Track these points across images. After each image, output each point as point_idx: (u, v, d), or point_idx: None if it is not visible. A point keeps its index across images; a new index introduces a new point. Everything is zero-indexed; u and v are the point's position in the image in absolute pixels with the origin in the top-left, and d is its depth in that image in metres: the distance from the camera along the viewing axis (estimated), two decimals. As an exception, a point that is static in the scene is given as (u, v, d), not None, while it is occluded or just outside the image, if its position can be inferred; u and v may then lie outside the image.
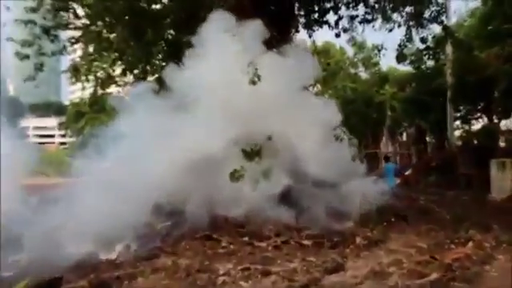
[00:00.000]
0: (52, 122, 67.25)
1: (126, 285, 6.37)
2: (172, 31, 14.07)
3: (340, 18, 17.51)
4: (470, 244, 8.22)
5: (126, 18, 13.68)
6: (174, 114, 9.69)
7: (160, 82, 10.86)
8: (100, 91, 16.10)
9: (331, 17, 16.98)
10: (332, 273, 6.86)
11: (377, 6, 16.87)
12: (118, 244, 9.50)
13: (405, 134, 37.08)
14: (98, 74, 15.64)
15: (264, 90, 10.07)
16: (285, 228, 9.41)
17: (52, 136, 63.56)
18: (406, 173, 21.50)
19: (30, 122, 63.86)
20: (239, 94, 9.99)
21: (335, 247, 8.48)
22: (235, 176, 9.86)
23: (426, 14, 17.42)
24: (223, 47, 10.24)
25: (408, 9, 17.12)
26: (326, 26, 17.43)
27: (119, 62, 14.66)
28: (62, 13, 14.73)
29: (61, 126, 53.42)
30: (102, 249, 9.27)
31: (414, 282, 6.16)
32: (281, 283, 6.41)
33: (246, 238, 8.81)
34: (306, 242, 8.76)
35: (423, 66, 26.89)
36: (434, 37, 18.89)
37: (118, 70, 15.32)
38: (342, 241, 8.75)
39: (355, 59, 40.67)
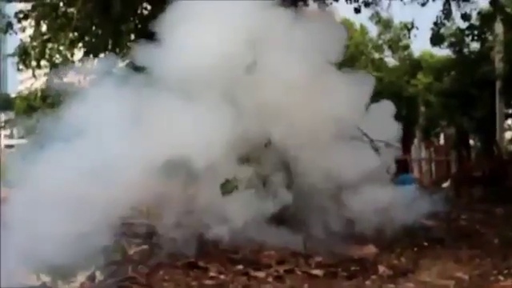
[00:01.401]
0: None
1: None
2: (147, 4, 14.13)
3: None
4: (524, 275, 8.27)
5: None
6: (150, 100, 9.59)
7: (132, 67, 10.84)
8: (55, 80, 16.11)
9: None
10: (348, 311, 6.94)
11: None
12: (80, 274, 9.60)
13: (442, 136, 36.88)
14: (54, 59, 15.69)
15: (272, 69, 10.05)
16: (289, 254, 9.46)
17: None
18: (444, 185, 21.52)
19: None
20: (238, 75, 9.95)
21: (352, 278, 8.56)
22: (228, 187, 9.92)
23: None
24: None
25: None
26: (342, -1, 17.37)
27: (80, 44, 14.72)
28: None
29: (7, 123, 53.47)
30: (59, 280, 9.37)
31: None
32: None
33: (241, 267, 8.87)
34: (315, 272, 8.82)
35: (465, 50, 26.67)
36: (479, 13, 18.81)
37: (78, 54, 15.37)
38: (361, 270, 8.82)
39: (380, 41, 40.19)
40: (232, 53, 9.77)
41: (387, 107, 13.02)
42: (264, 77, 9.97)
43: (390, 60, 40.59)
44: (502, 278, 8.22)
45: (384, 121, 12.19)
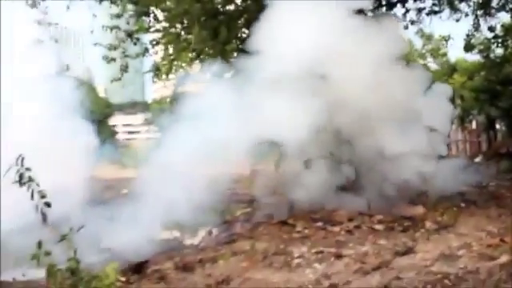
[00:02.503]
0: (138, 119, 68.97)
1: (207, 267, 6.50)
2: (245, 30, 14.09)
3: (407, 11, 17.08)
4: (541, 228, 7.91)
5: (203, 19, 13.83)
6: (251, 96, 9.55)
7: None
8: (179, 89, 16.41)
9: (398, 10, 16.52)
10: (403, 255, 6.76)
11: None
12: (201, 230, 9.70)
13: (474, 122, 35.84)
14: (178, 73, 15.90)
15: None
16: (356, 213, 9.34)
17: (138, 132, 65.17)
18: (476, 160, 20.89)
19: (119, 120, 65.66)
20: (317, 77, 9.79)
21: (406, 231, 8.35)
22: (309, 164, 9.88)
23: (494, 3, 16.87)
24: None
25: (475, -2, 16.58)
26: (393, 20, 17.03)
27: (197, 61, 14.84)
28: (143, 17, 15.04)
29: (146, 122, 54.65)
30: (186, 234, 9.50)
31: (484, 265, 5.98)
32: (353, 265, 6.38)
33: (320, 224, 8.80)
34: (377, 227, 8.68)
35: (492, 55, 25.95)
36: (502, 25, 18.26)
37: (196, 69, 15.50)
38: (413, 225, 8.62)
39: (423, 50, 39.50)
40: (313, 58, 9.64)
41: (445, 89, 12.66)
42: (338, 76, 9.80)
43: (432, 65, 39.88)
44: (523, 230, 7.90)
45: (442, 102, 11.84)
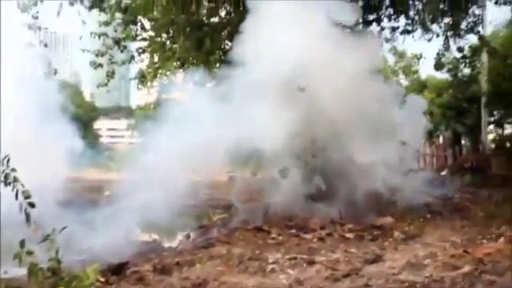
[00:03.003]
0: (122, 123, 68.61)
1: (185, 270, 6.44)
2: (228, 41, 14.10)
3: (382, 29, 17.26)
4: (502, 240, 7.99)
5: (188, 30, 13.83)
6: (231, 103, 9.51)
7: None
8: (163, 96, 16.42)
9: (374, 28, 16.68)
10: (372, 263, 6.77)
11: (417, 17, 16.56)
12: (179, 233, 9.64)
13: (441, 137, 36.23)
14: (162, 81, 15.86)
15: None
16: (328, 221, 9.35)
17: (122, 136, 64.80)
18: (442, 173, 21.10)
19: (104, 124, 65.21)
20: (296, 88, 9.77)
21: (375, 240, 8.40)
22: (284, 173, 9.88)
23: (463, 25, 17.18)
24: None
25: (446, 20, 16.81)
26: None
27: (181, 70, 14.83)
28: (130, 26, 14.98)
29: (129, 127, 54.36)
30: (165, 237, 9.43)
31: (448, 274, 6.01)
32: (324, 272, 6.36)
33: (294, 231, 8.79)
34: (348, 235, 8.70)
35: (460, 74, 26.33)
36: (470, 46, 18.57)
37: (179, 77, 15.48)
38: (382, 234, 8.66)
39: (396, 67, 39.93)
40: (293, 69, 9.65)
41: (420, 102, 12.78)
42: (316, 87, 9.81)
43: (404, 81, 40.33)
44: (485, 241, 7.97)
45: (416, 115, 11.95)
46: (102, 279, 5.45)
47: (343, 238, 8.55)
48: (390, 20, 17.10)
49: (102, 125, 62.45)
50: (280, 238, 8.39)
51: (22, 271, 4.31)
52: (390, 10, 16.55)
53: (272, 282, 5.96)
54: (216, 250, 7.43)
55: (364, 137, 10.21)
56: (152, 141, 9.67)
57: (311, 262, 6.79)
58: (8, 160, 4.24)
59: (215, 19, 14.81)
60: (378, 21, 16.84)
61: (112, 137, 65.41)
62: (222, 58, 13.44)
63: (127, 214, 8.47)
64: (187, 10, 13.53)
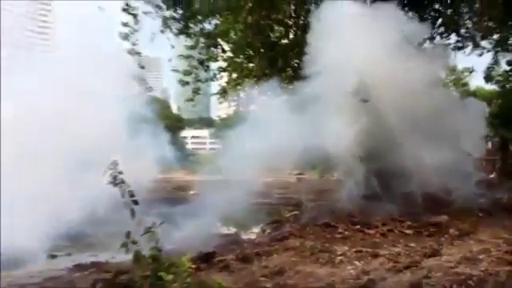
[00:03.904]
0: (204, 132, 69.94)
1: (263, 259, 6.44)
2: (297, 60, 14.09)
3: (435, 46, 16.71)
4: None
5: (262, 51, 13.93)
6: (305, 112, 9.45)
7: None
8: (241, 108, 16.63)
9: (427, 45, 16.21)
10: (430, 257, 6.55)
11: (467, 35, 15.97)
12: (254, 227, 9.67)
13: (490, 143, 34.85)
14: (240, 95, 16.05)
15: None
16: (389, 219, 9.12)
17: (204, 143, 65.94)
18: (491, 176, 20.26)
19: (189, 133, 66.66)
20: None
21: (431, 236, 8.12)
22: (347, 175, 9.74)
23: (511, 41, 16.48)
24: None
25: (495, 36, 16.13)
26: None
27: (256, 85, 14.93)
28: (212, 48, 15.24)
29: (211, 135, 55.36)
30: (242, 231, 9.49)
31: (503, 269, 5.73)
32: (387, 264, 6.23)
33: (358, 226, 8.62)
34: (407, 231, 8.46)
35: (508, 85, 25.25)
36: (518, 59, 17.84)
37: (255, 91, 15.61)
38: (438, 231, 8.36)
39: (447, 80, 38.74)
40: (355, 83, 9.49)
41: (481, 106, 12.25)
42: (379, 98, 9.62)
43: (454, 93, 39.16)
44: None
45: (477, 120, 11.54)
46: (194, 266, 5.52)
47: (403, 234, 8.32)
48: (442, 38, 16.57)
49: (187, 133, 63.91)
50: (346, 232, 8.26)
51: (126, 257, 4.43)
52: (442, 29, 16.06)
53: (341, 272, 5.88)
54: (290, 243, 7.38)
55: (423, 142, 9.90)
56: (231, 147, 9.77)
57: (375, 255, 6.66)
58: (116, 164, 4.39)
59: (285, 40, 14.81)
60: (431, 38, 16.35)
61: (196, 144, 66.65)
62: (292, 74, 13.41)
63: (210, 209, 8.59)
64: (261, 33, 13.64)
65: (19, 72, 9.36)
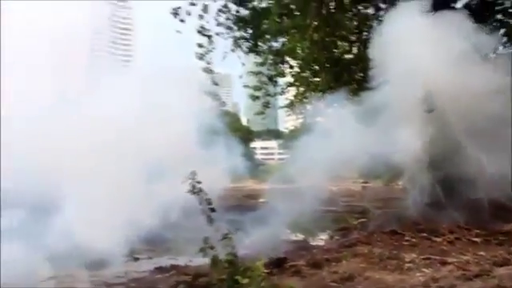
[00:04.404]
0: (273, 143, 70.28)
1: (333, 265, 6.30)
2: (361, 74, 13.87)
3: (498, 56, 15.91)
4: None
5: (327, 65, 13.82)
6: (370, 122, 9.15)
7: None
8: (308, 120, 16.52)
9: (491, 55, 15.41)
10: (501, 266, 6.14)
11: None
12: (322, 234, 9.51)
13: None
14: (307, 107, 15.97)
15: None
16: (456, 226, 8.67)
17: (272, 154, 66.20)
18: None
19: (258, 144, 67.23)
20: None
21: (501, 245, 7.61)
22: (413, 183, 9.37)
23: None
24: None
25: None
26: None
27: (322, 98, 14.82)
28: (280, 65, 15.31)
29: (279, 146, 55.56)
30: (309, 237, 9.35)
31: None
32: (456, 271, 5.91)
33: (425, 234, 8.26)
34: (475, 239, 8.01)
35: None
36: None
37: (321, 104, 15.52)
38: (508, 240, 7.84)
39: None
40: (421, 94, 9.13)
41: None
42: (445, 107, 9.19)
43: None
44: None
45: None
46: (267, 271, 5.48)
47: (471, 242, 7.89)
48: (504, 47, 15.73)
49: (256, 145, 64.39)
50: (413, 240, 7.94)
51: (203, 261, 4.45)
52: (505, 39, 15.26)
53: (410, 279, 5.65)
54: (358, 250, 7.19)
55: (488, 151, 9.37)
56: (298, 157, 9.69)
57: (444, 263, 6.35)
58: (195, 174, 4.44)
59: (349, 55, 14.62)
60: (495, 48, 15.56)
61: (265, 154, 67.01)
62: (357, 86, 13.19)
63: (278, 216, 8.53)
64: (326, 49, 13.54)
65: (100, 83, 9.73)
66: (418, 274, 5.84)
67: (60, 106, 8.65)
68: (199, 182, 4.40)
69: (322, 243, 8.81)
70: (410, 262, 6.36)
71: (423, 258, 6.56)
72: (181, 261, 7.15)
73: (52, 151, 7.88)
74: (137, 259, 7.58)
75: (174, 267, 6.74)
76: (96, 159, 7.97)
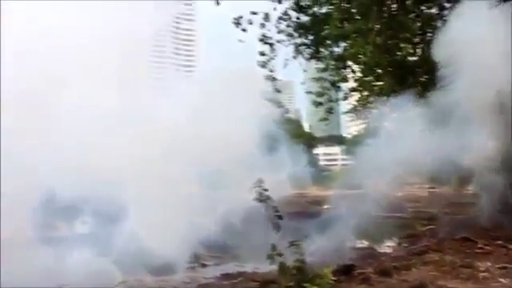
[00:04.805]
0: (335, 149, 69.72)
1: (402, 273, 6.11)
2: (426, 76, 13.48)
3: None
4: None
5: (390, 69, 13.55)
6: (437, 126, 8.83)
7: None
8: (372, 124, 16.24)
9: None
10: None
11: None
12: (387, 241, 9.29)
13: None
14: (371, 112, 15.73)
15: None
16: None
17: (336, 160, 65.57)
18: None
19: (320, 150, 66.87)
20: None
21: None
22: (483, 189, 8.93)
23: None
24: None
25: None
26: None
27: (386, 103, 14.55)
28: (342, 70, 15.16)
29: (343, 152, 55.05)
30: (375, 244, 9.16)
31: None
32: (538, 282, 5.56)
33: (500, 242, 7.84)
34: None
35: None
36: None
37: (385, 108, 15.22)
38: None
39: None
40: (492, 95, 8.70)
41: None
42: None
43: None
44: None
45: None
46: (334, 278, 5.40)
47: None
48: None
49: (319, 151, 63.97)
50: (487, 247, 7.55)
51: (269, 268, 4.45)
52: None
53: (485, 289, 5.38)
54: (428, 257, 6.93)
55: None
56: (362, 162, 9.51)
57: (522, 272, 5.99)
58: (262, 182, 4.46)
59: (413, 58, 14.25)
60: None
61: (328, 160, 66.43)
62: (422, 89, 12.83)
63: (343, 223, 8.40)
64: (389, 52, 13.28)
65: (163, 90, 9.97)
66: (495, 284, 5.57)
67: (124, 113, 8.91)
68: (266, 190, 4.42)
69: (389, 250, 8.56)
70: (484, 271, 6.07)
71: (499, 267, 6.25)
72: (247, 267, 7.19)
73: (116, 157, 8.11)
74: (204, 265, 7.69)
75: (240, 274, 6.78)
76: (160, 165, 8.16)
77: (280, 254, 4.18)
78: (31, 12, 7.66)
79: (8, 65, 7.04)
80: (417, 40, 14.09)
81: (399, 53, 13.89)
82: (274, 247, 4.24)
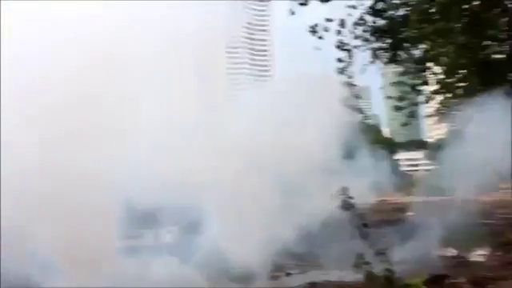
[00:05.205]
0: (417, 154, 67.60)
1: (498, 284, 5.78)
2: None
3: None
4: None
5: (473, 69, 12.96)
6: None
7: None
8: (454, 127, 15.59)
9: None
10: None
11: None
12: (480, 249, 8.86)
13: None
14: (455, 115, 15.14)
15: None
16: None
17: (418, 165, 63.46)
18: None
19: (402, 156, 65.07)
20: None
21: None
22: None
23: None
24: None
25: None
26: None
27: (471, 104, 13.94)
28: (422, 73, 14.71)
29: (425, 157, 53.28)
30: (463, 253, 8.76)
31: None
32: None
33: None
34: None
35: None
36: None
37: (470, 109, 14.60)
38: None
39: None
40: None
41: None
42: None
43: None
44: None
45: None
46: (425, 288, 5.23)
47: None
48: None
49: (401, 156, 62.17)
50: None
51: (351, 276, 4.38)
52: None
53: None
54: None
55: None
56: (447, 167, 9.17)
57: None
58: (346, 189, 4.40)
59: (499, 56, 13.54)
60: None
61: (410, 166, 64.38)
62: (510, 89, 12.17)
63: (428, 230, 8.13)
64: (472, 52, 12.71)
65: (240, 100, 10.11)
66: None
67: (204, 125, 9.14)
68: (351, 198, 4.36)
69: (481, 259, 8.15)
70: None
71: None
72: (331, 276, 7.13)
73: (197, 169, 8.34)
74: (288, 274, 7.72)
75: (327, 283, 6.73)
76: (240, 176, 8.30)
77: (367, 263, 4.10)
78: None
79: (89, 72, 7.36)
80: (504, 37, 13.41)
81: (483, 51, 13.29)
82: (361, 256, 4.17)
